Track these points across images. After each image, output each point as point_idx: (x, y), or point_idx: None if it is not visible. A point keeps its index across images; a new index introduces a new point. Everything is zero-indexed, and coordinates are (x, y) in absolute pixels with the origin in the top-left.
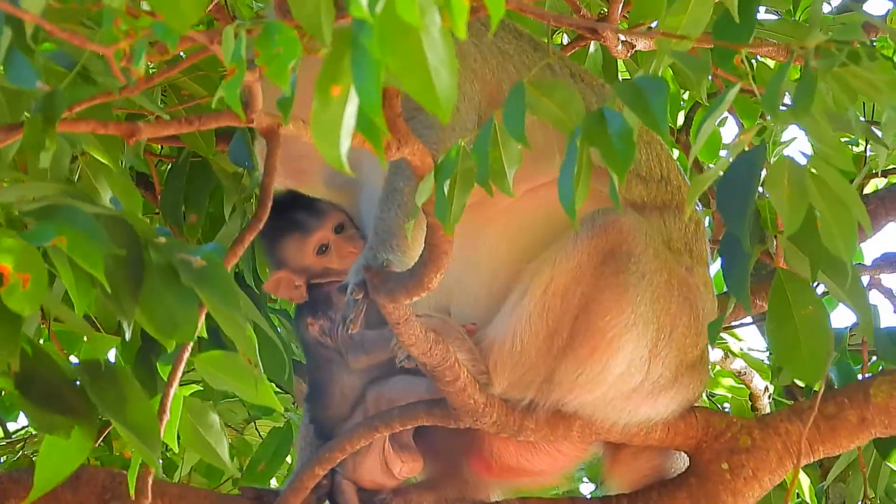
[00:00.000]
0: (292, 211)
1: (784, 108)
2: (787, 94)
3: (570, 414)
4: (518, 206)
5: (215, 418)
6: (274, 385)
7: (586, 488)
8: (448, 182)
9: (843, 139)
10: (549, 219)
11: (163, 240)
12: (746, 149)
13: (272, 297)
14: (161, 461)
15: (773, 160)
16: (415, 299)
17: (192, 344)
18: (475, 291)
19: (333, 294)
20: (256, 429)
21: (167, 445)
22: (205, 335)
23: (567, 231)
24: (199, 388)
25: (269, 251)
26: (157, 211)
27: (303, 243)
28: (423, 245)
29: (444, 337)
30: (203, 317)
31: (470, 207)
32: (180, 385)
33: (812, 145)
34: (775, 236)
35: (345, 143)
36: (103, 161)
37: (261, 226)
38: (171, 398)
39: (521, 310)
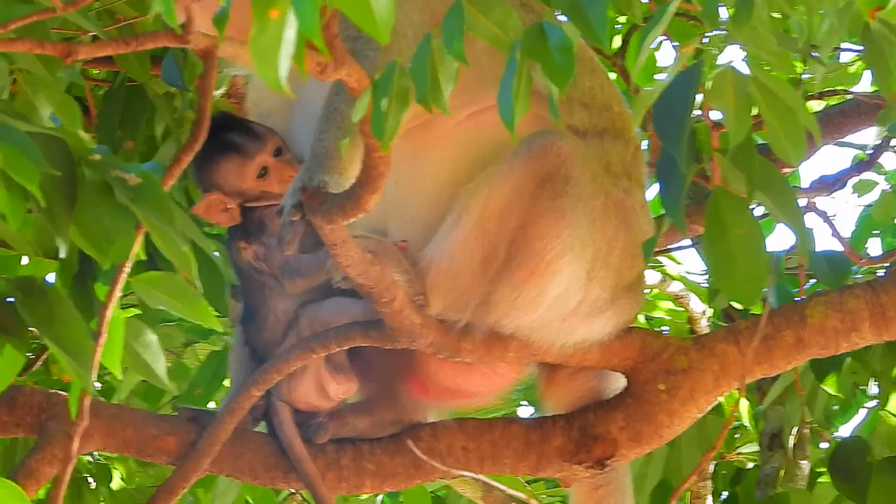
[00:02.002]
0: (229, 133)
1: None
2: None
3: (506, 336)
4: (461, 129)
5: (153, 337)
6: (212, 308)
7: (525, 412)
8: (385, 100)
9: None
10: (491, 142)
11: (97, 157)
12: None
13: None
14: (100, 385)
15: (711, 77)
16: (352, 220)
17: (129, 264)
18: (414, 213)
19: (267, 218)
20: (195, 353)
21: (107, 370)
22: (143, 256)
23: (504, 154)
24: (138, 312)
25: (200, 173)
26: (92, 136)
27: (242, 166)
28: (360, 166)
29: (380, 258)
30: (140, 237)
31: (412, 130)
32: (121, 308)
33: (751, 57)
34: (711, 158)
35: (284, 66)
36: (42, 78)
37: (198, 147)
38: (108, 319)
39: (457, 231)
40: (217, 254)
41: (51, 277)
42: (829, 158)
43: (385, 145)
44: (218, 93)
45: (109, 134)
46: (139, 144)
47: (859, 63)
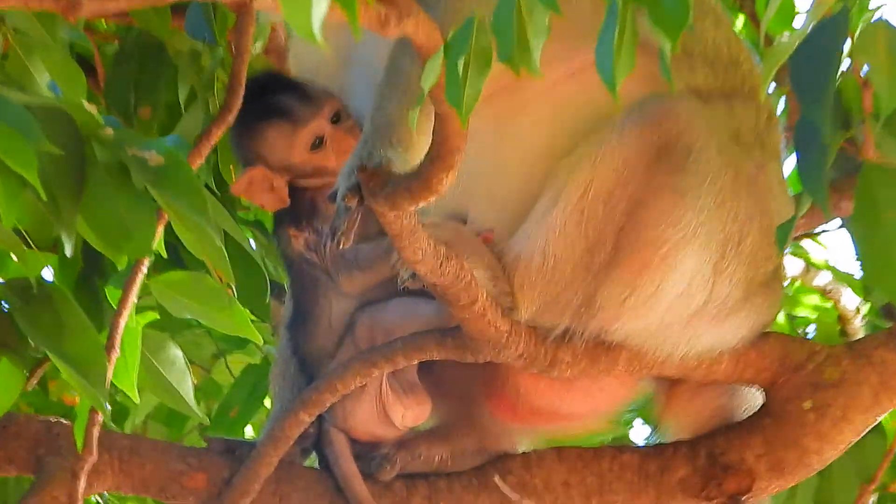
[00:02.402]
0: (276, 95)
1: None
2: None
3: (614, 344)
4: (556, 93)
5: (177, 352)
6: (249, 312)
7: (640, 437)
8: (461, 62)
9: None
10: (594, 109)
11: (110, 132)
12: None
13: (242, 203)
14: (110, 407)
15: (860, 28)
16: (421, 205)
17: (147, 261)
18: (498, 196)
19: (321, 199)
20: (227, 366)
21: (118, 389)
22: (163, 253)
23: (611, 122)
24: (156, 317)
25: (241, 143)
26: (100, 106)
27: (292, 135)
28: (430, 140)
29: (457, 251)
30: (161, 227)
31: (495, 93)
32: (137, 313)
33: None
34: (863, 121)
35: (319, 10)
36: (38, 38)
37: (231, 118)
38: (121, 329)
39: (553, 217)
40: (253, 242)
41: (47, 274)
42: None
43: (464, 117)
44: (255, 48)
45: (122, 102)
46: (158, 113)
47: None
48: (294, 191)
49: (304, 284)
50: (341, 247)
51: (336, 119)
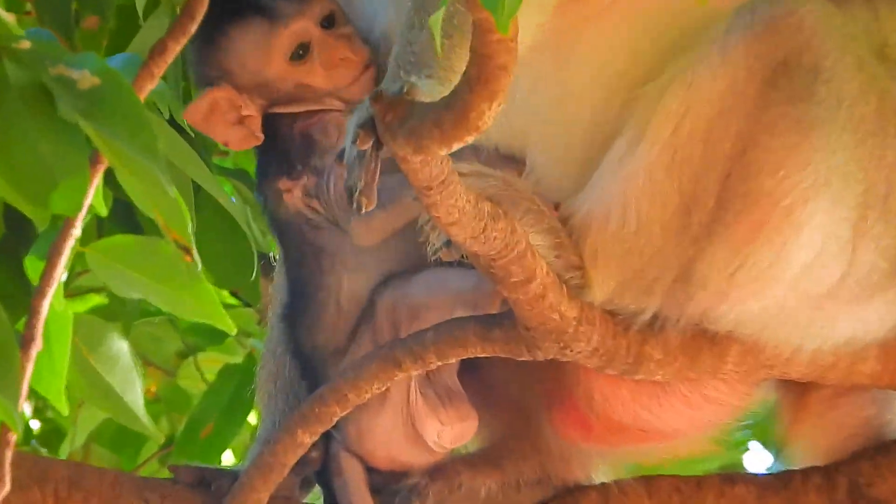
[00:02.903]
0: None
1: None
2: None
3: (721, 335)
4: (629, 3)
5: (121, 346)
6: (229, 293)
7: (757, 461)
8: None
9: None
10: (682, 15)
11: (28, 44)
12: None
13: (219, 147)
14: (38, 424)
15: None
16: (455, 147)
17: (80, 220)
18: (561, 137)
19: (316, 131)
20: (198, 367)
21: (46, 401)
22: (102, 210)
23: (710, 32)
24: (101, 301)
25: (200, 54)
26: (28, 10)
27: (268, 37)
28: (464, 60)
29: (507, 209)
30: (99, 175)
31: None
32: (69, 296)
33: None
34: None
35: None
36: None
37: (193, 26)
38: (44, 314)
39: (635, 163)
40: (235, 200)
41: None
42: None
43: (503, 21)
44: None
45: (58, 9)
46: (106, 24)
47: None
48: (276, 124)
49: (304, 257)
50: (363, 210)
51: (328, 23)
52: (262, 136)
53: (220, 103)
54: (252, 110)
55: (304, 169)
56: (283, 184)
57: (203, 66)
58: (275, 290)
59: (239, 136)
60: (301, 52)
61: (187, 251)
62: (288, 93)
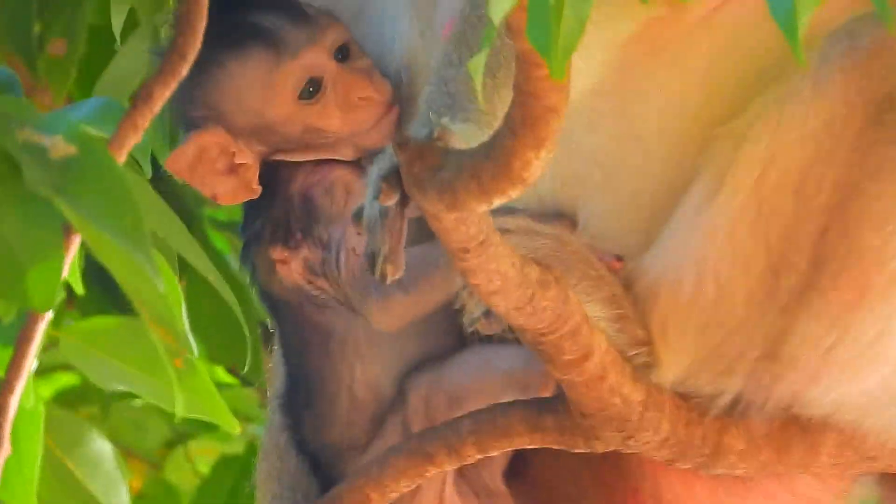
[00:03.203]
0: (250, 11)
1: None
2: None
3: (814, 421)
4: (708, 26)
5: (103, 447)
6: (224, 370)
7: None
8: None
9: None
10: (766, 45)
11: None
12: None
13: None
14: None
15: None
16: (496, 203)
17: (49, 311)
18: (623, 188)
19: (319, 193)
20: (189, 458)
21: None
22: (77, 287)
23: (797, 67)
24: (72, 381)
25: (187, 89)
26: None
27: (272, 73)
28: (508, 100)
29: (559, 273)
30: (72, 251)
31: (608, 32)
32: (37, 377)
33: None
34: None
35: None
36: None
37: (185, 67)
38: (12, 412)
39: (713, 217)
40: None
41: None
42: None
43: (559, 64)
44: None
45: (18, 32)
46: (76, 48)
47: None
48: (273, 175)
49: (305, 339)
50: (388, 280)
51: (342, 55)
52: (258, 189)
53: (209, 150)
54: (248, 158)
55: (305, 238)
56: (278, 253)
57: (189, 103)
58: (273, 369)
59: (230, 188)
60: (311, 90)
61: (178, 337)
62: (294, 138)
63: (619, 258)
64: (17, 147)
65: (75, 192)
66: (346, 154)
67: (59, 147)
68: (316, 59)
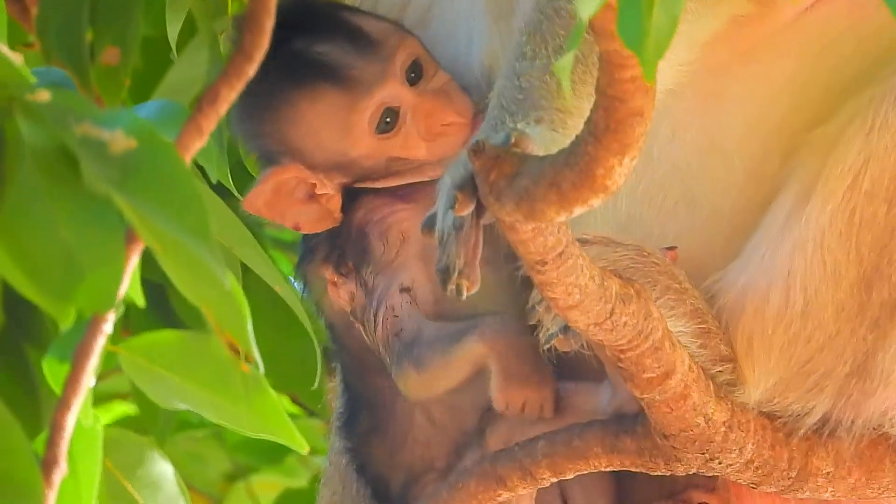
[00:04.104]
0: (314, 38)
1: None
2: None
3: None
4: (797, 28)
5: (166, 469)
6: (289, 399)
7: None
8: None
9: None
10: (859, 48)
11: (47, 96)
12: None
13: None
14: None
15: None
16: (577, 212)
17: (112, 316)
18: (706, 199)
19: (374, 233)
20: (250, 493)
21: None
22: (139, 301)
23: (892, 68)
24: (130, 411)
25: (258, 122)
26: (31, 41)
27: (347, 114)
28: (590, 104)
29: (640, 287)
30: (136, 257)
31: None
32: (95, 403)
33: None
34: None
35: None
36: None
37: (252, 67)
38: (69, 430)
39: (802, 228)
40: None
41: None
42: None
43: (650, 65)
44: None
45: (69, 41)
46: (130, 58)
47: None
48: (346, 199)
49: (363, 358)
50: (465, 295)
51: (415, 74)
52: (340, 216)
53: (287, 184)
54: (330, 188)
55: (354, 273)
56: (330, 275)
57: (261, 138)
58: (335, 392)
59: (313, 217)
60: (389, 121)
61: (246, 354)
62: (379, 169)
63: (672, 248)
64: (76, 142)
65: (136, 188)
66: (435, 174)
67: (120, 141)
68: (390, 91)
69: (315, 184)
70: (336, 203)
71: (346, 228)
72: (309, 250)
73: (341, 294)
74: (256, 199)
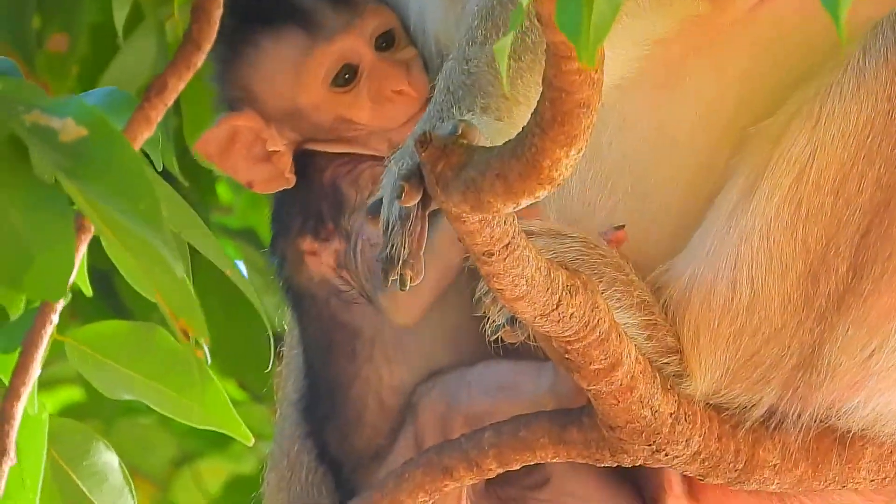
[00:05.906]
0: None
1: None
2: None
3: (853, 434)
4: (746, 23)
5: (111, 459)
6: (236, 385)
7: None
8: None
9: None
10: (805, 40)
11: None
12: None
13: (220, 201)
14: None
15: None
16: (523, 204)
17: (60, 305)
18: (654, 190)
19: (346, 183)
20: (196, 478)
21: None
22: (86, 289)
23: (842, 56)
24: (77, 397)
25: (222, 68)
26: None
27: (305, 56)
28: (537, 94)
29: (587, 278)
30: (84, 245)
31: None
32: (40, 391)
33: None
34: None
35: None
36: None
37: (200, 57)
38: (17, 420)
39: (749, 219)
40: (242, 266)
41: None
42: None
43: (588, 52)
44: None
45: (16, 26)
46: (78, 44)
47: None
48: (306, 166)
49: (330, 338)
50: (408, 286)
51: (385, 42)
52: (292, 178)
53: (242, 133)
54: (280, 145)
55: (336, 230)
56: (308, 244)
57: (225, 83)
58: (285, 372)
59: (265, 176)
60: (346, 77)
61: (198, 343)
62: (325, 127)
63: (620, 227)
64: (25, 130)
65: (87, 175)
66: (381, 150)
67: (71, 129)
68: (352, 45)
69: (269, 135)
70: (286, 162)
71: (318, 191)
72: (283, 227)
73: (323, 259)
74: (208, 144)
